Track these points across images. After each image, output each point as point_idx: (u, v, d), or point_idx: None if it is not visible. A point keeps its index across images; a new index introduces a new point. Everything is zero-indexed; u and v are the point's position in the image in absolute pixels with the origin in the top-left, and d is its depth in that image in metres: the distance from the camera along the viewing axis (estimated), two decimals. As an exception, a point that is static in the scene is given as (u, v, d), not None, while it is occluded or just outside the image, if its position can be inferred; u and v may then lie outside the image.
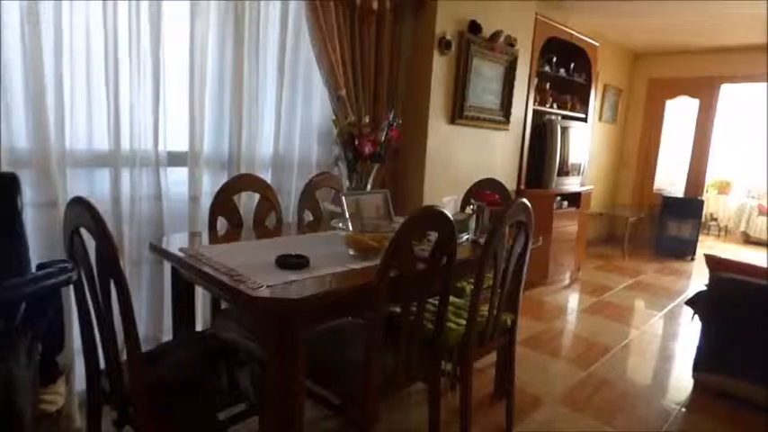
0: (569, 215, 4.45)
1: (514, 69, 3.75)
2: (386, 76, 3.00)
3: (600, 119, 5.94)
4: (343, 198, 1.91)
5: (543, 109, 4.30)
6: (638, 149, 6.61)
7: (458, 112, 3.35)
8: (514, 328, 2.08)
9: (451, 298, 2.17)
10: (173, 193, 2.22)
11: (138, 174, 2.07)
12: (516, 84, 3.80)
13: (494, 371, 2.44)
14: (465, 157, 3.53)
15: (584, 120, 4.76)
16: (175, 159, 2.23)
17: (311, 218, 2.42)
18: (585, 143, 4.77)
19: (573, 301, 4.01)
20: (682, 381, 2.66)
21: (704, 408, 2.40)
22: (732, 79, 5.90)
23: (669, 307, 3.93)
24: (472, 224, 2.22)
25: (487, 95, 3.64)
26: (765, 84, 5.64)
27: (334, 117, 2.40)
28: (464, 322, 1.85)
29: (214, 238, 1.94)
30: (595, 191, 5.81)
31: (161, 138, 2.12)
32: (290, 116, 2.60)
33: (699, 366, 2.51)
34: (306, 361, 1.59)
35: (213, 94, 2.31)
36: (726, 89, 6.04)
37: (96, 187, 2.01)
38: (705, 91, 6.09)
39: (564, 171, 4.36)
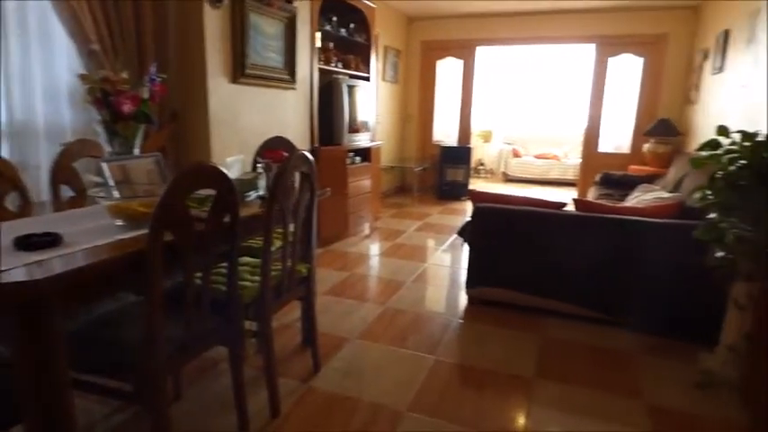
0: (363, 170, 4.74)
1: (295, 27, 3.74)
2: (150, 29, 2.69)
3: (383, 78, 6.37)
4: (104, 165, 1.68)
5: (329, 68, 4.41)
6: (418, 106, 7.32)
7: (239, 71, 3.22)
8: (311, 276, 2.16)
9: (248, 258, 2.16)
10: None
11: None
12: (299, 42, 3.81)
13: (300, 323, 2.52)
14: (254, 118, 3.44)
15: (368, 79, 5.04)
16: None
17: (72, 193, 2.09)
18: (372, 101, 5.08)
19: (372, 248, 4.35)
20: (460, 298, 3.16)
21: (476, 315, 2.90)
22: (486, 42, 6.88)
23: (449, 241, 4.56)
24: (262, 182, 2.20)
25: (270, 53, 3.57)
26: (511, 46, 6.73)
27: (81, 73, 2.06)
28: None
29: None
30: (385, 146, 6.30)
31: None
32: (26, 75, 2.16)
33: (469, 283, 2.99)
34: (80, 352, 1.41)
35: None
36: (480, 50, 7.02)
37: None
38: (466, 52, 7.00)
39: (354, 128, 4.59)
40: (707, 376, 2.18)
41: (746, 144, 2.05)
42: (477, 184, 8.06)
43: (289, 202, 1.85)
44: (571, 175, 8.23)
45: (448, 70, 7.25)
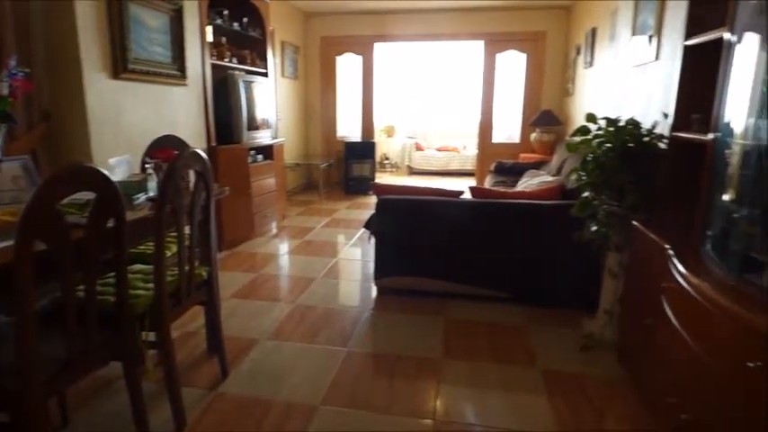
0: (266, 168, 4.62)
1: (182, 20, 3.54)
2: (9, 19, 2.40)
3: (283, 74, 6.24)
4: (-44, 171, 1.48)
5: (223, 63, 4.23)
6: (320, 102, 7.27)
7: (121, 66, 2.98)
8: (212, 279, 2.07)
9: (140, 265, 2.02)
10: None
11: None
12: (187, 36, 3.60)
13: (205, 330, 2.41)
14: (141, 116, 3.20)
15: (266, 75, 4.91)
16: None
17: None
18: (271, 98, 4.96)
19: (280, 247, 4.26)
20: (370, 290, 3.21)
21: (386, 304, 2.97)
22: (383, 38, 6.99)
23: (357, 235, 4.61)
24: (152, 183, 2.07)
25: (156, 48, 3.34)
26: (407, 42, 6.90)
27: None
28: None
29: None
30: (289, 143, 6.19)
31: None
32: None
33: (378, 274, 3.05)
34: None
35: None
36: (378, 47, 7.13)
37: None
38: (364, 48, 7.07)
39: (254, 126, 4.46)
40: (589, 339, 2.43)
41: (610, 129, 2.30)
42: (382, 178, 8.21)
43: (182, 202, 1.76)
44: (470, 165, 8.67)
45: (348, 66, 7.28)
